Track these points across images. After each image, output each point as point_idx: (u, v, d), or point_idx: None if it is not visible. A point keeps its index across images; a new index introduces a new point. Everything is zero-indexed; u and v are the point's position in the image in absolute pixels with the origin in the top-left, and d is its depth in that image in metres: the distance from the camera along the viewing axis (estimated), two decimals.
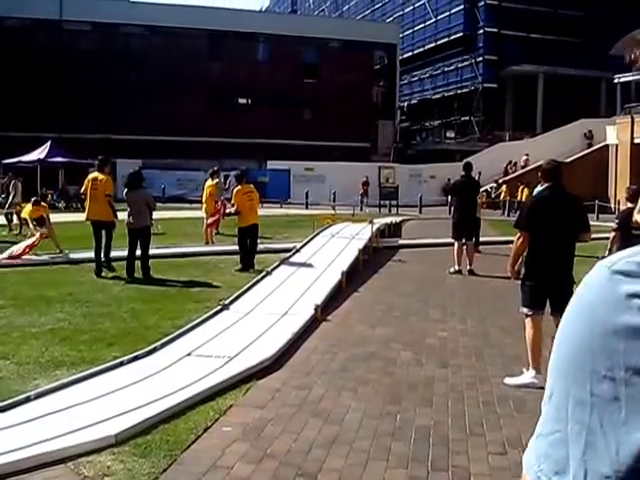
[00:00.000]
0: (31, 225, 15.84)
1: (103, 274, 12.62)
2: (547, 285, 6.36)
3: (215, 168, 20.31)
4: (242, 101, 53.54)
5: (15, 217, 20.53)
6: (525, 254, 6.59)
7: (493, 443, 5.01)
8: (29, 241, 14.97)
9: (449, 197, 14.51)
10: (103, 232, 12.87)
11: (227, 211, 14.36)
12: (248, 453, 4.76)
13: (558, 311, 6.37)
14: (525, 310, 6.47)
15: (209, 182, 18.88)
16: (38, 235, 15.03)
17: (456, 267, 13.46)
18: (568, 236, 6.48)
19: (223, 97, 50.34)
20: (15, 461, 4.44)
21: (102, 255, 12.81)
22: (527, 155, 41.38)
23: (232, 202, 13.91)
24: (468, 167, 14.21)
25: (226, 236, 18.38)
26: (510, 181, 38.13)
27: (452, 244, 15.16)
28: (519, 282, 6.84)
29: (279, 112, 50.18)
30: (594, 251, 10.17)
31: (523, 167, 41.70)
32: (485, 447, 4.94)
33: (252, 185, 14.16)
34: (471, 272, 13.41)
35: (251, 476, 4.41)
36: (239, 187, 13.70)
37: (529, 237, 6.42)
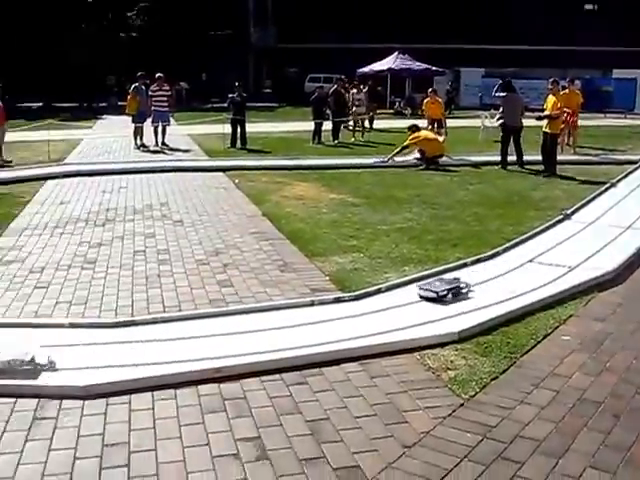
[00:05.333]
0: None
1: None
2: None
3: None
4: (588, 7, 49.63)
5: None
6: None
7: None
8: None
9: None
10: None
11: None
12: (586, 364, 4.49)
13: None
14: None
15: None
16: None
17: None
18: None
19: (568, 3, 46.97)
20: (367, 346, 4.66)
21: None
22: None
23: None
24: None
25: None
26: None
27: None
28: None
29: (627, 18, 45.66)
30: None
31: None
32: None
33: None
34: None
35: (589, 388, 4.15)
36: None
37: None
